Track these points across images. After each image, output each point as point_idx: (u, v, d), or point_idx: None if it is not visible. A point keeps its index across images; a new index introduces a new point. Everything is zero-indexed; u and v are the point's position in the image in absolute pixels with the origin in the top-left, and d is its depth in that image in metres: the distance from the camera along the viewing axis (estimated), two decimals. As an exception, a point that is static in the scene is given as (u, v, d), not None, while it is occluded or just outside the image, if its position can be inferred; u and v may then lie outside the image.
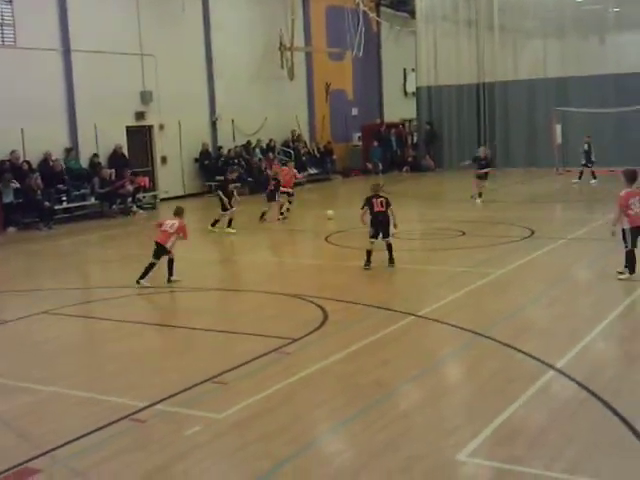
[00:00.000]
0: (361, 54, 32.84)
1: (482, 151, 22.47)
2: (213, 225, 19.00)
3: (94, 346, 10.09)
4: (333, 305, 10.88)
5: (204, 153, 27.21)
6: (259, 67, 29.72)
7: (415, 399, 7.45)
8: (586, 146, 24.95)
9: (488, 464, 5.87)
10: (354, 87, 35.37)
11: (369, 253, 13.31)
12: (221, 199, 19.00)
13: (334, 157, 32.34)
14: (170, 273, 13.06)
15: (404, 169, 33.74)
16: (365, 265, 13.30)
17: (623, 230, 11.53)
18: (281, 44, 30.29)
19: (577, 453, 6.01)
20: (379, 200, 13.27)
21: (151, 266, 12.95)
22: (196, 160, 27.18)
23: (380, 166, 33.24)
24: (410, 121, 36.58)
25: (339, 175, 32.37)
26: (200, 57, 27.41)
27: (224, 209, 18.96)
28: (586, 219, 17.79)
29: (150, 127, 25.66)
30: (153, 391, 7.65)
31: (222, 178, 20.39)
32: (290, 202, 20.92)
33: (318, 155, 31.83)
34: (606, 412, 6.73)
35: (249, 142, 28.71)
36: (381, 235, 13.33)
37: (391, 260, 13.39)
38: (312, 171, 30.64)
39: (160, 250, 13.08)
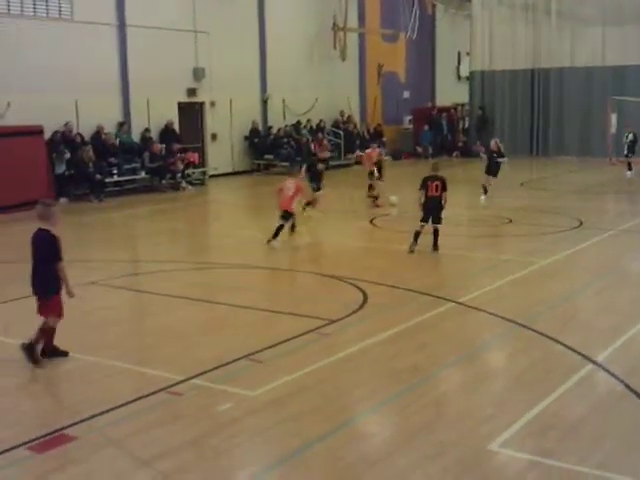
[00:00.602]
0: (415, 36, 32.49)
1: (493, 144, 20.97)
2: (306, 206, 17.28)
3: (137, 318, 10.26)
4: (374, 288, 10.87)
5: (254, 131, 27.31)
6: (311, 47, 29.65)
7: (451, 385, 7.42)
8: (631, 136, 24.36)
9: (519, 455, 5.82)
10: (407, 70, 35.07)
11: (417, 235, 13.28)
12: (312, 179, 17.43)
13: (384, 139, 32.13)
14: (275, 235, 14.04)
15: (454, 154, 33.39)
16: (411, 247, 13.26)
17: None
18: (334, 24, 30.14)
19: (611, 449, 5.93)
20: (434, 184, 13.19)
21: (280, 227, 14.11)
22: (246, 138, 27.30)
23: (430, 150, 32.94)
24: (462, 105, 36.13)
25: (389, 157, 32.17)
26: (253, 36, 27.42)
27: (317, 189, 17.60)
28: (637, 211, 17.41)
29: (202, 104, 25.83)
30: (190, 365, 7.75)
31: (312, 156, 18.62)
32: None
33: (368, 137, 31.66)
34: (644, 409, 6.62)
35: (299, 122, 28.70)
36: (431, 220, 13.26)
37: (435, 246, 13.33)
38: (360, 153, 30.44)
39: (286, 214, 14.30)
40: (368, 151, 20.51)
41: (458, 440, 6.05)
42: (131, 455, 5.88)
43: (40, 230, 7.95)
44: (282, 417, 6.57)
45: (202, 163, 25.51)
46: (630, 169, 24.13)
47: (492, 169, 19.08)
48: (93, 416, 6.52)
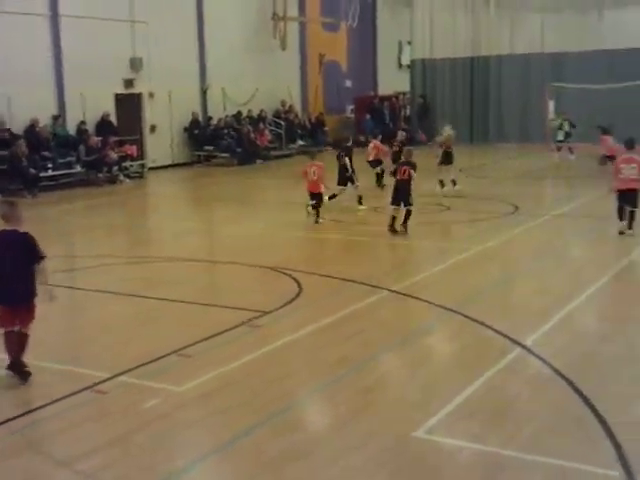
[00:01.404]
0: (355, 25, 32.48)
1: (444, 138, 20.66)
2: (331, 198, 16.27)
3: (66, 315, 10.01)
4: (309, 278, 10.83)
5: (194, 122, 26.99)
6: (251, 36, 29.37)
7: (380, 374, 7.42)
8: (566, 124, 24.91)
9: (445, 441, 5.84)
10: (348, 58, 35.04)
11: (393, 219, 13.78)
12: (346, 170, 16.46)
13: (326, 129, 32.09)
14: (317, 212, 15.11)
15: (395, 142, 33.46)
16: (389, 229, 13.73)
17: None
18: (274, 13, 29.92)
19: (535, 432, 5.99)
20: (403, 169, 13.78)
21: (317, 206, 15.14)
22: (185, 129, 26.97)
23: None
24: (404, 94, 36.28)
25: (331, 147, 32.15)
26: (192, 25, 27.03)
27: (345, 183, 16.51)
28: (571, 196, 17.72)
29: (139, 95, 25.41)
30: (118, 362, 7.61)
31: (347, 145, 17.13)
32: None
33: (310, 126, 31.60)
34: (569, 391, 6.70)
35: (240, 112, 28.47)
36: (402, 203, 13.74)
37: (405, 225, 13.77)
38: (302, 143, 30.42)
39: (315, 196, 15.21)
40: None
41: (384, 429, 6.05)
42: (49, 456, 5.73)
43: (8, 232, 7.24)
44: (209, 411, 6.50)
45: (141, 155, 25.11)
46: (572, 153, 24.69)
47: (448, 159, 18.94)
48: (13, 418, 6.35)
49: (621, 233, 13.04)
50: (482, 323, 8.57)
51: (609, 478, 5.28)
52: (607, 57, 29.05)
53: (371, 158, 19.49)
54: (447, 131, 19.97)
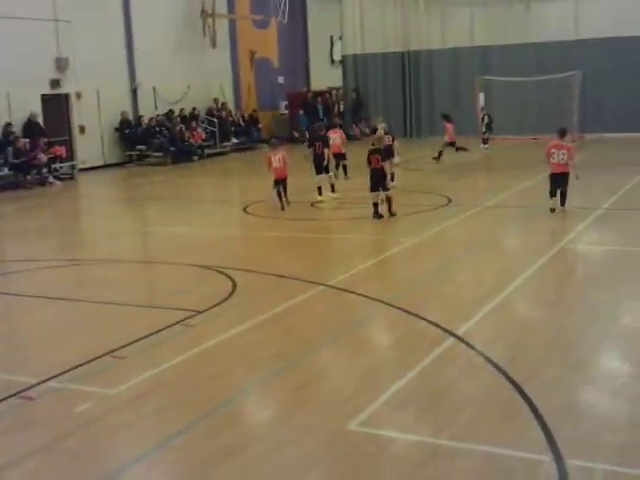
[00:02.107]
0: (286, 21, 32.44)
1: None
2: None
3: (-7, 322, 9.75)
4: (244, 276, 10.77)
5: (124, 122, 26.57)
6: (181, 34, 29.03)
7: (315, 369, 7.39)
8: (487, 118, 26.01)
9: (377, 432, 5.87)
10: (280, 55, 34.96)
11: (375, 205, 14.40)
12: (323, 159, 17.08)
13: (260, 126, 32.00)
14: (285, 196, 15.90)
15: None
16: (374, 215, 14.36)
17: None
18: (203, 10, 29.65)
19: (467, 420, 6.05)
20: (375, 157, 14.35)
21: (279, 193, 15.84)
22: (116, 129, 26.53)
23: (307, 134, 32.98)
24: (337, 89, 36.41)
25: (265, 144, 32.04)
26: (119, 23, 26.58)
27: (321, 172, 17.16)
28: (503, 187, 18.00)
29: (67, 95, 24.88)
30: (47, 367, 7.42)
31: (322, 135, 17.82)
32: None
33: (243, 124, 31.44)
34: (501, 378, 6.80)
35: (171, 111, 28.13)
36: (381, 189, 14.32)
37: (390, 210, 14.44)
38: (236, 140, 30.27)
39: (280, 183, 15.87)
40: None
41: (319, 423, 6.04)
42: (-26, 467, 5.57)
43: None
44: (142, 413, 6.40)
45: (70, 157, 24.60)
46: (485, 144, 25.81)
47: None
48: (-64, 429, 6.15)
49: (552, 210, 14.12)
50: (416, 315, 8.64)
51: (540, 463, 5.37)
52: (534, 50, 29.69)
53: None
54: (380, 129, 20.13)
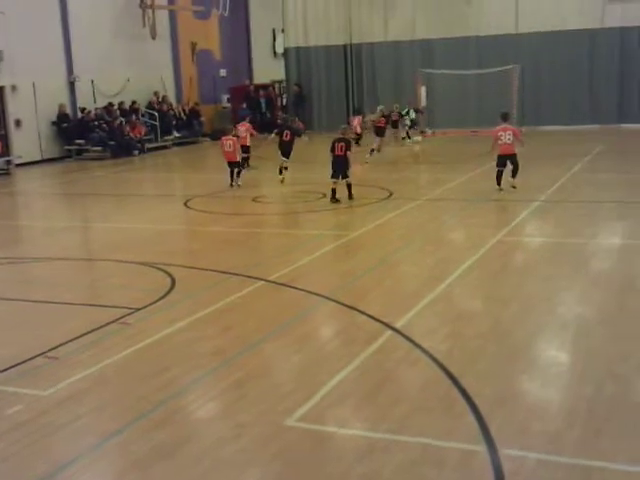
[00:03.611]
0: (227, 13, 32.17)
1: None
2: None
3: None
4: (183, 272, 10.67)
5: (62, 116, 26.05)
6: (119, 25, 28.54)
7: (253, 366, 7.35)
8: (412, 112, 26.96)
9: (314, 428, 5.88)
10: (222, 47, 34.68)
11: (333, 191, 15.30)
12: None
13: (202, 119, 31.72)
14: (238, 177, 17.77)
15: (273, 132, 33.43)
16: (332, 199, 15.26)
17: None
18: (142, 1, 29.20)
19: (404, 412, 6.11)
20: (340, 144, 15.26)
21: (231, 173, 17.74)
22: (53, 123, 25.99)
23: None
24: (280, 82, 36.28)
25: (207, 138, 31.80)
26: (55, 14, 25.97)
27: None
28: (443, 180, 18.19)
29: (1, 88, 24.28)
30: (-22, 369, 7.25)
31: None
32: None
33: (185, 117, 31.13)
34: (437, 370, 6.87)
35: (111, 104, 27.68)
36: (341, 176, 15.26)
37: (350, 195, 15.41)
38: (177, 134, 29.96)
39: (233, 164, 17.72)
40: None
41: (256, 419, 6.03)
42: None
43: None
44: (77, 414, 6.30)
45: (6, 152, 24.02)
46: (409, 137, 26.66)
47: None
48: None
49: (501, 190, 15.60)
50: (355, 308, 8.68)
51: (474, 453, 5.44)
52: (475, 43, 30.05)
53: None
54: (379, 110, 24.29)
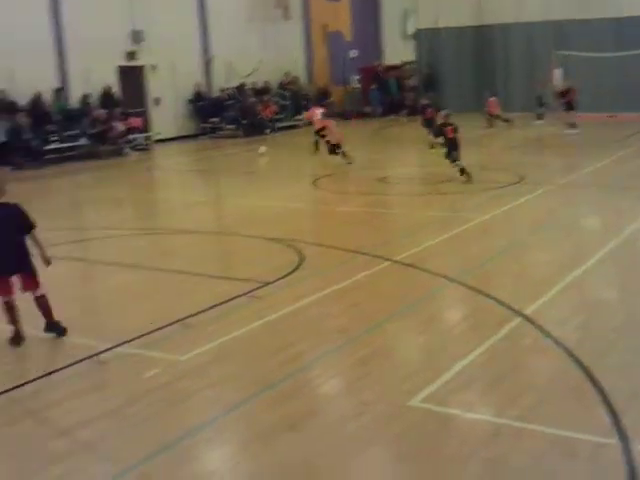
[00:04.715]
0: (359, -6, 32.18)
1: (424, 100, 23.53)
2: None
3: (66, 286, 10.02)
4: (311, 249, 10.83)
5: (198, 94, 26.89)
6: (254, 7, 29.07)
7: (377, 345, 7.38)
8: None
9: (438, 410, 5.85)
10: (353, 28, 34.71)
11: (462, 170, 15.63)
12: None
13: (332, 100, 31.92)
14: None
15: (402, 113, 33.29)
16: (465, 177, 15.47)
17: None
18: (276, -17, 29.64)
19: (532, 400, 5.98)
20: (449, 128, 15.60)
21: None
22: (190, 101, 26.88)
23: (379, 109, 32.82)
24: (410, 64, 35.95)
25: (337, 118, 31.96)
26: (193, -4, 26.85)
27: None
28: (578, 165, 17.59)
29: (142, 67, 25.31)
30: (119, 333, 7.64)
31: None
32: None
33: (315, 98, 31.38)
34: (567, 360, 6.68)
35: (243, 84, 28.31)
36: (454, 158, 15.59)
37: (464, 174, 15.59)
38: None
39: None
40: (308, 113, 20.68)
41: (379, 398, 6.06)
42: (49, 425, 5.79)
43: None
44: (208, 381, 6.53)
45: (146, 128, 25.06)
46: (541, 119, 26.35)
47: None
48: (12, 388, 6.40)
49: None
50: (483, 292, 8.55)
51: (605, 446, 5.27)
52: (613, 25, 28.71)
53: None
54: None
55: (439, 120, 16.41)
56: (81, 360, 6.97)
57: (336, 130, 19.23)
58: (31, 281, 7.54)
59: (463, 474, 4.94)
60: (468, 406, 5.88)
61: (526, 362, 6.79)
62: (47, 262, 7.65)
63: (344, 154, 18.44)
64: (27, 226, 7.53)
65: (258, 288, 8.98)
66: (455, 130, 15.69)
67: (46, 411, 6.01)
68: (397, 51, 36.38)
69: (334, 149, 18.52)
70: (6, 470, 5.19)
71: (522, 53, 31.11)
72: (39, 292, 7.57)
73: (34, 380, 6.57)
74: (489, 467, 5.03)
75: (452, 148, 15.68)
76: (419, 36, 33.77)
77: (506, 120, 25.40)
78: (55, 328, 7.59)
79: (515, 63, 31.40)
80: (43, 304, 7.57)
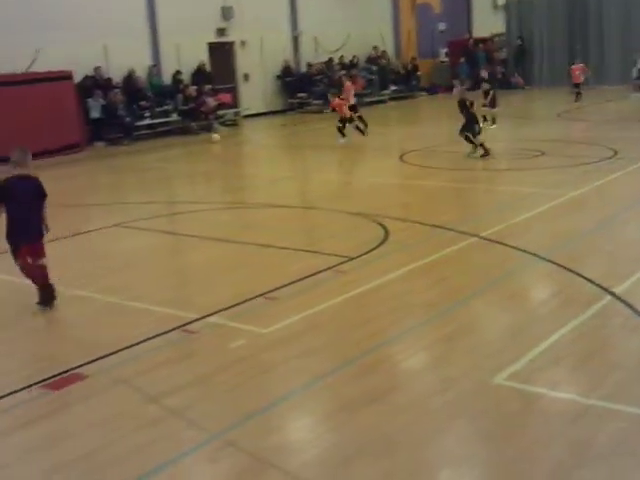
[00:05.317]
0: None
1: (483, 72, 22.40)
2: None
3: (156, 259, 10.35)
4: (396, 224, 10.81)
5: (286, 70, 27.02)
6: (342, -20, 28.99)
7: (464, 320, 7.34)
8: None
9: (523, 388, 5.77)
10: (441, 0, 34.13)
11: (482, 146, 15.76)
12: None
13: (419, 74, 31.57)
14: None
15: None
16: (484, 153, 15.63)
17: None
18: (364, -44, 29.38)
19: (621, 380, 5.85)
20: (469, 102, 15.77)
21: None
22: (278, 77, 27.05)
23: (467, 83, 32.19)
24: (500, 36, 35.14)
25: (424, 92, 31.64)
26: (282, -29, 26.90)
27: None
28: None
29: (232, 44, 25.59)
30: (206, 304, 7.84)
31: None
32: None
33: (403, 72, 31.12)
34: (659, 341, 6.50)
35: (331, 59, 28.28)
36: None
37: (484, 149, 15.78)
38: (395, 88, 30.04)
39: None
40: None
41: (464, 374, 6.03)
42: (140, 392, 6.00)
43: (21, 178, 7.87)
44: (292, 354, 6.63)
45: (235, 104, 25.38)
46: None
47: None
48: (105, 355, 6.66)
49: None
50: (572, 270, 8.36)
51: (696, 429, 5.13)
52: None
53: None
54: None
55: (458, 96, 16.33)
56: (171, 330, 7.18)
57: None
58: (39, 252, 7.89)
59: (546, 455, 4.88)
60: (553, 385, 5.79)
61: (615, 341, 6.62)
62: (46, 229, 8.07)
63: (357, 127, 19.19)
64: (45, 196, 8.00)
65: (343, 262, 9.04)
66: (471, 105, 15.84)
67: (136, 379, 6.23)
68: (486, 23, 35.62)
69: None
70: (98, 435, 5.41)
71: (618, 22, 29.99)
72: (42, 261, 7.89)
73: (125, 348, 6.81)
74: (574, 449, 4.95)
75: (474, 122, 15.80)
76: (509, 7, 32.96)
77: (578, 93, 24.78)
78: (46, 299, 7.94)
79: (611, 34, 30.29)
80: (41, 272, 7.90)
